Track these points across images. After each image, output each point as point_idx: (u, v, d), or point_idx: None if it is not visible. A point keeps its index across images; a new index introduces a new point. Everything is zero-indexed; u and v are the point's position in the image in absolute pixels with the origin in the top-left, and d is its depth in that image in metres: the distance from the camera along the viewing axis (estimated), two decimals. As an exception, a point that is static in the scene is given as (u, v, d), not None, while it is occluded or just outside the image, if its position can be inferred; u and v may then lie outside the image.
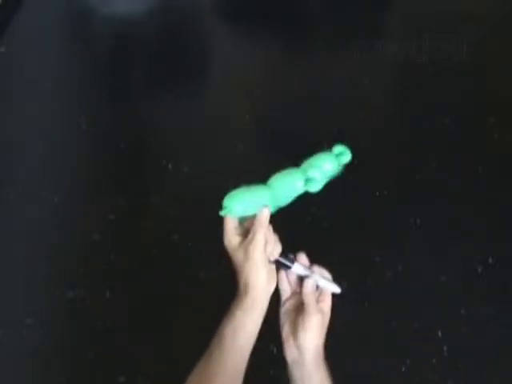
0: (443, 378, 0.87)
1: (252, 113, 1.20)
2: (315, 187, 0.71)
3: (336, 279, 0.95)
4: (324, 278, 0.64)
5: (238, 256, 0.61)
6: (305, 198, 0.84)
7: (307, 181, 0.70)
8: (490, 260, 0.99)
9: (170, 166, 1.13)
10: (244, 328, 0.63)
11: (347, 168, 0.90)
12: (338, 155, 0.79)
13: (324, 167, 0.79)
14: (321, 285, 0.64)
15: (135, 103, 1.31)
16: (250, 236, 0.62)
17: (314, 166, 0.80)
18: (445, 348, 0.90)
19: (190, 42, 1.38)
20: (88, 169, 1.16)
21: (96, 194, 1.12)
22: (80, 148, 1.19)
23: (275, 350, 0.85)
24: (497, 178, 1.09)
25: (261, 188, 0.68)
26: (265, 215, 0.64)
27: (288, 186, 0.70)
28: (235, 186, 0.93)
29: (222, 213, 0.64)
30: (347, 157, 0.79)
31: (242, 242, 0.62)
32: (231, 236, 0.62)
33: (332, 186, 0.91)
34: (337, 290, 0.63)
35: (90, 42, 1.43)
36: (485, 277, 0.97)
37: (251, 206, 0.65)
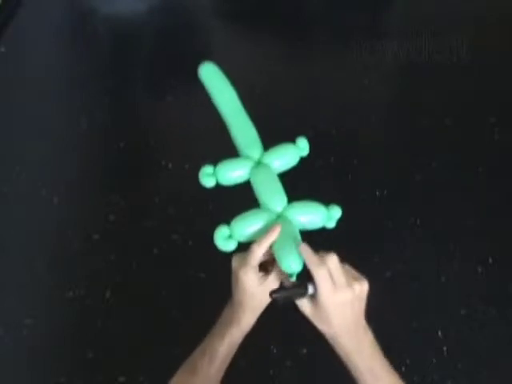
0: (443, 378, 0.87)
1: (252, 113, 1.19)
2: (333, 224, 0.71)
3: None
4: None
5: (255, 292, 0.62)
6: (303, 198, 0.84)
7: (329, 218, 0.70)
8: (490, 260, 0.99)
9: (170, 165, 1.13)
10: (237, 344, 0.64)
11: (347, 168, 0.90)
12: (300, 148, 0.79)
13: (285, 158, 0.79)
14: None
15: (135, 103, 1.31)
16: (271, 276, 0.63)
17: (277, 157, 0.80)
18: (445, 348, 0.90)
19: (190, 42, 1.38)
20: (88, 169, 1.16)
21: (96, 194, 1.12)
22: (80, 148, 1.19)
23: (275, 350, 0.85)
24: (497, 178, 1.09)
25: (290, 229, 0.67)
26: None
27: (311, 220, 0.70)
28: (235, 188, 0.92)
29: (293, 278, 0.62)
30: (307, 150, 0.79)
31: (261, 280, 0.63)
32: (255, 273, 0.62)
33: (332, 185, 0.91)
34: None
35: (89, 41, 1.43)
36: (485, 277, 0.97)
37: (298, 254, 0.64)
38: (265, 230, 0.67)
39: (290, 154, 0.79)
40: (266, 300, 0.64)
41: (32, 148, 1.19)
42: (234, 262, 0.64)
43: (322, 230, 0.75)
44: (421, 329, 0.91)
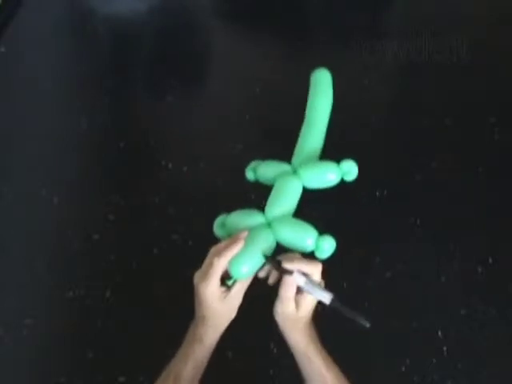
0: (443, 378, 0.87)
1: (252, 113, 1.20)
2: (324, 255, 0.70)
3: (336, 279, 0.94)
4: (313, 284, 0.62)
5: (218, 307, 0.61)
6: (303, 198, 0.84)
7: (318, 247, 0.69)
8: (490, 260, 0.99)
9: (170, 165, 1.13)
10: (202, 364, 0.65)
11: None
12: (343, 171, 0.78)
13: (326, 177, 0.78)
14: (306, 288, 0.62)
15: (135, 103, 1.31)
16: (234, 291, 0.62)
17: (316, 176, 0.78)
18: (445, 348, 0.90)
19: (190, 42, 1.38)
20: (88, 169, 1.16)
21: (96, 193, 1.12)
22: (80, 148, 1.19)
23: (275, 350, 0.85)
24: (497, 177, 1.09)
25: (265, 238, 0.67)
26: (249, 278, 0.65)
27: (297, 239, 0.69)
28: (234, 188, 0.93)
29: (230, 283, 0.63)
30: (353, 175, 0.78)
31: (223, 294, 0.62)
32: (216, 287, 0.61)
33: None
34: (326, 299, 0.62)
35: (89, 41, 1.43)
36: (485, 277, 0.97)
37: (257, 263, 0.65)
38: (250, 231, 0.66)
39: (326, 175, 0.77)
40: (229, 316, 0.63)
41: (32, 148, 1.19)
42: (196, 277, 0.63)
43: (326, 237, 0.75)
44: (421, 329, 0.91)
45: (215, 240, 0.89)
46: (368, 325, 0.58)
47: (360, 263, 0.98)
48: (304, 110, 1.13)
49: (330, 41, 1.36)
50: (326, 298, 0.60)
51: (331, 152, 0.91)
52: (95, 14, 1.48)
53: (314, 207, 1.00)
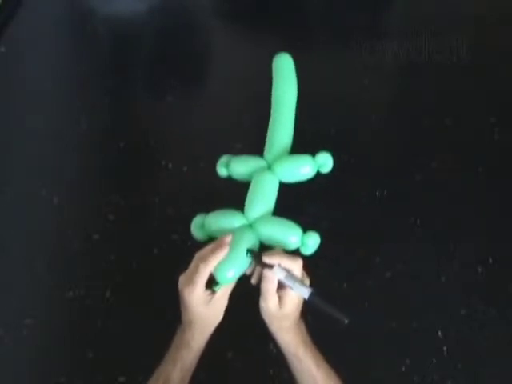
0: (443, 378, 0.87)
1: (252, 113, 1.20)
2: (309, 251, 0.70)
3: (336, 279, 0.95)
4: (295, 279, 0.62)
5: (203, 311, 0.61)
6: (303, 198, 0.84)
7: (303, 244, 0.69)
8: (490, 260, 0.99)
9: (170, 165, 1.13)
10: (190, 368, 0.65)
11: (348, 168, 0.90)
12: (319, 164, 0.77)
13: (301, 171, 0.77)
14: (286, 283, 0.62)
15: (135, 103, 1.31)
16: (219, 294, 0.62)
17: (287, 168, 0.77)
18: (445, 348, 0.90)
19: (190, 42, 1.38)
20: (88, 169, 1.16)
21: (96, 194, 1.12)
22: (80, 148, 1.19)
23: (275, 350, 0.85)
24: (497, 177, 1.09)
25: (249, 240, 0.66)
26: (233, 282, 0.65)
27: (282, 238, 0.68)
28: (232, 188, 0.93)
29: (217, 288, 0.63)
30: (328, 167, 0.77)
31: (208, 298, 0.62)
32: (201, 292, 0.61)
33: (332, 185, 0.91)
34: (305, 294, 0.62)
35: (89, 41, 1.43)
36: (485, 277, 0.97)
37: (242, 266, 0.65)
38: (231, 232, 0.66)
39: (302, 169, 0.77)
40: (216, 319, 0.63)
41: (32, 148, 1.19)
42: (180, 282, 0.63)
43: (311, 233, 0.75)
44: (421, 329, 0.91)
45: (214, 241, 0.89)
46: (346, 321, 0.58)
47: (360, 263, 0.98)
48: (303, 109, 1.13)
49: (330, 41, 1.36)
50: (305, 292, 0.60)
51: (331, 151, 0.91)
52: (95, 14, 1.48)
53: (314, 207, 1.00)
